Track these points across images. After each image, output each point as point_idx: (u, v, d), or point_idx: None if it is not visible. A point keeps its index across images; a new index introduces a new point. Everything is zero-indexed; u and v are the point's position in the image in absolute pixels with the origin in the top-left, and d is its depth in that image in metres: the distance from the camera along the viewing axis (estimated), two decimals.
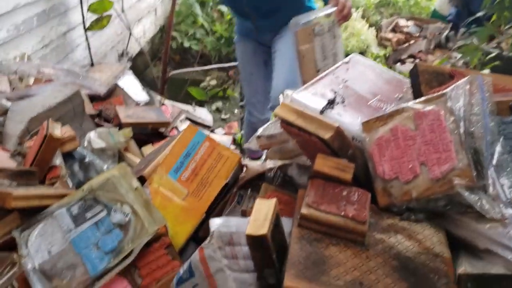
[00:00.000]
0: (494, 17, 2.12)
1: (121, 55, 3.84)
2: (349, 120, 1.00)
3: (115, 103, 2.30)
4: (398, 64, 5.51)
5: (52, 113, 1.59)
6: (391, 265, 0.77)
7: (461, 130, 0.83)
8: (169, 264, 0.99)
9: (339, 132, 0.86)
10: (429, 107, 0.86)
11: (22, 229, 1.04)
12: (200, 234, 1.10)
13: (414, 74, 1.01)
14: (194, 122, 3.18)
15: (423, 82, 0.97)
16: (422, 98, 0.90)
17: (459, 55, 5.66)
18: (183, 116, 2.65)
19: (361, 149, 0.94)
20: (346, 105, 1.04)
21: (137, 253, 0.97)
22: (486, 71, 4.30)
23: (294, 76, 1.96)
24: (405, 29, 6.16)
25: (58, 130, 1.26)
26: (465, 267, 0.78)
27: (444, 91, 0.86)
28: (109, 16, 2.95)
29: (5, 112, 1.70)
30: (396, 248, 0.80)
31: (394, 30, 6.24)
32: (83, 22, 2.90)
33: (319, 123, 0.88)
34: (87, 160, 1.39)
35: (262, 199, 0.78)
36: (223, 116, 4.32)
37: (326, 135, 0.85)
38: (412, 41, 5.92)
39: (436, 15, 6.40)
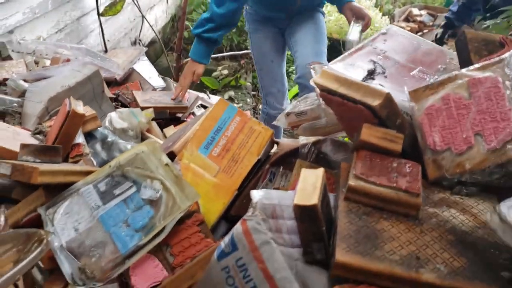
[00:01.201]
0: None
1: (134, 43, 3.80)
2: (392, 91, 0.94)
3: (132, 88, 2.26)
4: None
5: (72, 93, 1.54)
6: (448, 240, 0.72)
7: None
8: (202, 242, 0.94)
9: (388, 99, 0.80)
10: (485, 74, 0.80)
11: (48, 207, 1.00)
12: (231, 212, 1.05)
13: (461, 42, 0.95)
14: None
15: (472, 51, 0.91)
16: (477, 65, 0.84)
17: None
18: (199, 102, 2.60)
19: (408, 121, 0.88)
20: (387, 75, 0.99)
21: (169, 230, 0.93)
22: None
23: (320, 46, 2.02)
24: (418, 18, 6.06)
25: (81, 107, 1.21)
26: None
27: (503, 56, 0.80)
28: (123, 1, 2.90)
29: (23, 93, 1.67)
30: (451, 222, 0.75)
31: (407, 19, 6.14)
32: (97, 7, 2.85)
33: (366, 89, 0.82)
34: (109, 139, 1.35)
35: (308, 169, 0.73)
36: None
37: (375, 102, 0.79)
38: (425, 30, 5.82)
39: (450, 3, 6.29)
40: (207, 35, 1.82)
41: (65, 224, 0.97)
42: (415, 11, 6.22)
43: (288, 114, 1.23)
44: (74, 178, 1.03)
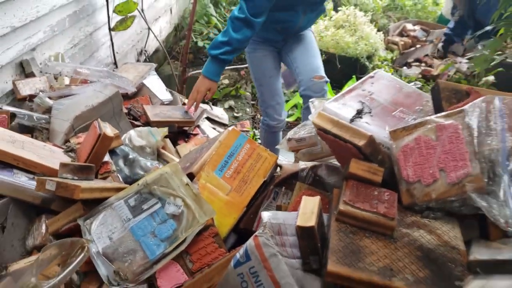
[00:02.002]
0: (501, 31, 2.26)
1: (140, 53, 3.98)
2: (376, 128, 1.14)
3: (142, 102, 2.44)
4: (405, 67, 5.64)
5: (95, 112, 1.73)
6: (416, 255, 0.91)
7: (476, 142, 0.97)
8: (216, 251, 1.13)
9: (371, 140, 1.00)
10: (449, 121, 1.01)
11: (85, 218, 1.18)
12: (240, 226, 1.24)
13: (435, 91, 1.15)
14: (212, 120, 3.32)
15: (443, 99, 1.11)
16: (443, 113, 1.04)
17: (464, 60, 5.80)
18: (205, 115, 2.79)
19: (388, 155, 1.08)
20: (373, 115, 1.18)
21: (190, 241, 1.11)
22: (491, 77, 4.44)
23: (317, 60, 2.37)
24: (412, 33, 6.29)
25: (109, 130, 1.40)
26: (475, 255, 0.92)
27: (463, 108, 1.00)
28: (133, 17, 3.09)
29: (47, 109, 1.85)
30: (419, 241, 0.94)
31: (401, 34, 6.37)
32: (108, 22, 3.04)
33: (354, 131, 1.02)
34: (131, 156, 1.54)
35: (307, 197, 0.92)
36: (235, 114, 4.44)
37: (360, 142, 0.99)
38: (418, 45, 6.05)
39: (442, 20, 6.53)
40: (223, 57, 2.02)
41: (101, 233, 1.16)
42: (409, 26, 6.45)
43: (289, 140, 1.42)
44: (107, 194, 1.22)
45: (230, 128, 1.30)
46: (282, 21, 2.28)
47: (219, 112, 3.54)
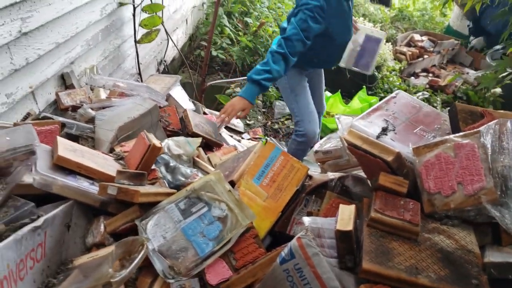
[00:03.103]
0: (510, 50, 2.41)
1: (160, 63, 4.15)
2: (400, 144, 1.30)
3: (169, 112, 2.61)
4: (412, 77, 5.80)
5: (136, 123, 1.89)
6: (437, 257, 1.07)
7: (490, 159, 1.12)
8: (256, 251, 1.28)
9: (398, 156, 1.16)
10: (466, 141, 1.16)
11: (142, 219, 1.34)
12: (275, 229, 1.39)
13: (453, 112, 1.30)
14: (229, 128, 3.49)
15: (460, 119, 1.27)
16: (461, 133, 1.19)
17: (471, 71, 5.94)
18: (224, 125, 2.95)
19: (412, 168, 1.23)
20: (396, 132, 1.34)
21: (234, 241, 1.27)
22: (498, 89, 4.59)
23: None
24: (420, 44, 6.44)
25: (157, 141, 1.55)
26: (489, 258, 1.07)
27: (479, 129, 1.15)
28: (158, 31, 3.26)
29: (90, 119, 2.01)
30: (440, 245, 1.10)
31: (409, 44, 6.52)
32: (135, 35, 3.21)
33: (382, 148, 1.17)
34: (171, 164, 1.69)
35: (344, 205, 1.08)
36: (248, 122, 4.58)
37: (389, 158, 1.15)
38: (426, 56, 6.20)
39: (450, 31, 6.69)
40: (264, 82, 2.20)
41: (155, 233, 1.31)
42: (417, 36, 6.61)
43: (316, 152, 1.58)
44: (160, 198, 1.37)
45: (261, 141, 1.46)
46: (325, 59, 2.67)
47: (235, 121, 3.70)
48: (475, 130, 1.17)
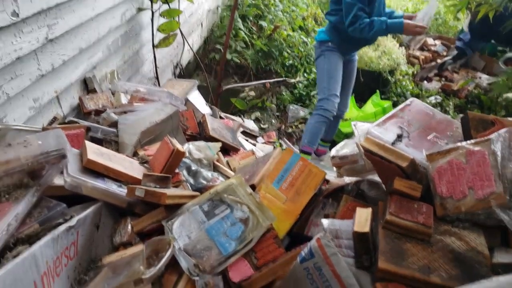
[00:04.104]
0: None
1: (175, 67, 4.25)
2: (414, 151, 1.36)
3: (187, 116, 2.69)
4: (425, 81, 5.82)
5: (158, 127, 1.97)
6: (448, 257, 1.12)
7: (499, 166, 1.17)
8: (276, 250, 1.35)
9: (412, 162, 1.22)
10: (477, 148, 1.21)
11: (167, 220, 1.42)
12: (294, 230, 1.46)
13: (465, 120, 1.36)
14: (245, 132, 3.56)
15: (472, 127, 1.32)
16: (472, 141, 1.25)
17: (484, 76, 5.94)
18: (240, 129, 3.03)
19: (425, 174, 1.29)
20: (410, 139, 1.40)
21: (256, 241, 1.34)
22: (511, 94, 4.60)
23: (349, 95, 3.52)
24: (433, 48, 6.46)
25: (180, 145, 1.63)
26: (497, 259, 1.13)
27: (489, 137, 1.21)
28: (175, 35, 3.35)
29: (113, 123, 2.10)
30: (451, 246, 1.15)
31: (422, 48, 6.54)
32: (152, 40, 3.30)
33: (398, 154, 1.24)
34: (193, 168, 1.77)
35: (361, 208, 1.14)
36: (262, 125, 4.65)
37: (404, 163, 1.21)
38: (439, 60, 6.22)
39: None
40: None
41: (181, 233, 1.39)
42: (430, 40, 6.63)
43: (333, 157, 1.64)
44: (185, 200, 1.45)
45: (275, 144, 1.52)
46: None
47: (250, 125, 3.78)
48: (486, 138, 1.22)
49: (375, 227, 1.21)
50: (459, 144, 1.26)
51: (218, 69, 5.03)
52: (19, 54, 1.74)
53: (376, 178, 1.49)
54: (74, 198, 1.46)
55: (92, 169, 1.50)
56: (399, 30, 2.87)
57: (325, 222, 1.19)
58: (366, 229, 1.07)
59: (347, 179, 1.49)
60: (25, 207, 1.30)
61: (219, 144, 1.96)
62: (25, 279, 1.04)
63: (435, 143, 1.39)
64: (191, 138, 2.46)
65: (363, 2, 2.90)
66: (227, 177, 1.91)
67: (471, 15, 5.41)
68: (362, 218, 1.11)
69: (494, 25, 5.58)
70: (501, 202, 1.14)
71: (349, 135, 4.13)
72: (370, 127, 1.43)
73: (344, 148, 1.66)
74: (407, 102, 1.55)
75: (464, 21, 6.78)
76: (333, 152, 1.65)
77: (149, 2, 3.05)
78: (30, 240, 1.26)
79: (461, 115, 1.43)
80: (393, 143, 1.37)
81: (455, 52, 6.09)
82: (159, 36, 3.30)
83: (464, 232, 1.20)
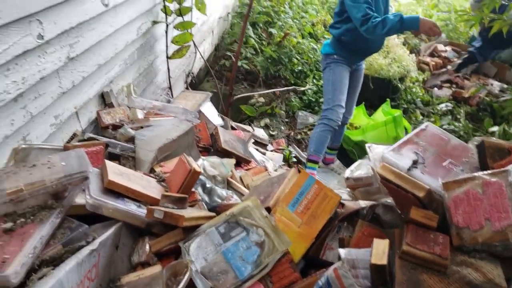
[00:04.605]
0: None
1: (187, 75, 4.28)
2: (430, 178, 1.37)
3: (199, 127, 2.72)
4: (435, 88, 5.80)
5: (174, 144, 2.01)
6: None
7: None
8: (292, 275, 1.37)
9: (429, 192, 1.23)
10: (494, 179, 1.23)
11: (184, 241, 1.44)
12: (309, 253, 1.48)
13: (481, 148, 1.37)
14: (255, 141, 3.59)
15: (488, 156, 1.34)
16: (489, 171, 1.26)
17: (495, 83, 5.91)
18: (252, 140, 3.06)
19: (441, 202, 1.30)
20: (426, 165, 1.41)
21: (272, 265, 1.36)
22: None
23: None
24: (443, 54, 6.44)
25: (195, 164, 1.66)
26: None
27: (506, 168, 1.22)
28: (189, 46, 3.38)
29: (130, 138, 2.13)
30: (468, 277, 1.17)
31: (432, 54, 6.52)
32: (166, 51, 3.34)
33: (414, 184, 1.25)
34: (208, 185, 1.80)
35: (378, 239, 1.16)
36: (271, 132, 4.66)
37: (420, 194, 1.22)
38: (449, 66, 6.19)
39: (474, 41, 6.64)
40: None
41: (198, 255, 1.41)
42: (440, 47, 6.60)
43: (347, 178, 1.66)
44: (201, 221, 1.48)
45: (294, 169, 1.54)
46: (367, 46, 3.17)
47: (260, 133, 3.81)
48: (503, 169, 1.23)
49: (391, 256, 1.23)
50: (475, 174, 1.28)
51: (228, 75, 5.07)
52: (42, 74, 1.78)
53: (391, 201, 1.50)
54: (94, 215, 1.49)
55: (113, 189, 1.54)
56: (415, 25, 2.78)
57: (342, 252, 1.21)
58: (384, 261, 1.09)
59: (362, 203, 1.51)
60: (49, 228, 1.34)
61: (233, 161, 1.99)
62: None
63: (450, 169, 1.41)
64: (204, 150, 2.50)
65: (369, 2, 2.90)
66: (241, 194, 1.93)
67: (481, 25, 5.37)
68: (380, 250, 1.13)
69: (507, 39, 5.54)
70: None
71: (359, 143, 4.14)
72: (385, 151, 1.45)
73: (358, 169, 1.68)
74: (422, 126, 1.57)
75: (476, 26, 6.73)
76: (348, 173, 1.67)
77: (164, 15, 3.08)
78: (54, 262, 1.30)
79: (475, 138, 1.44)
80: (408, 169, 1.38)
81: (466, 55, 6.04)
82: (172, 47, 3.34)
83: (481, 263, 1.21)
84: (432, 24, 2.76)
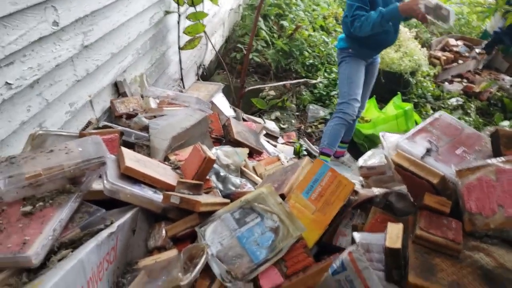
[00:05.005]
0: None
1: (199, 67, 4.30)
2: (443, 165, 1.38)
3: (212, 118, 2.74)
4: (446, 83, 5.76)
5: (187, 133, 2.03)
6: (477, 274, 1.15)
7: None
8: (306, 260, 1.39)
9: (443, 178, 1.25)
10: (508, 166, 1.24)
11: (200, 226, 1.47)
12: (323, 240, 1.50)
13: (495, 137, 1.38)
14: (266, 133, 3.61)
15: (502, 144, 1.34)
16: (504, 158, 1.27)
17: (507, 78, 5.86)
18: (264, 132, 3.08)
19: (454, 189, 1.32)
20: (439, 153, 1.42)
21: (286, 250, 1.38)
22: None
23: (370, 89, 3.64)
24: (455, 49, 6.39)
25: (210, 152, 1.68)
26: None
27: None
28: (201, 37, 3.40)
29: (144, 128, 2.16)
30: (480, 262, 1.18)
31: (443, 48, 6.48)
32: (178, 42, 3.36)
33: (428, 170, 1.27)
34: (222, 174, 1.82)
35: (393, 223, 1.18)
36: (281, 125, 4.67)
37: (435, 180, 1.24)
38: (460, 61, 6.15)
39: (486, 36, 6.59)
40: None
41: (213, 239, 1.44)
42: (452, 41, 6.55)
43: (361, 167, 1.67)
44: (217, 207, 1.50)
45: (308, 158, 1.55)
46: (380, 40, 3.16)
47: (271, 126, 3.83)
48: None
49: (405, 241, 1.24)
50: (489, 161, 1.28)
51: (239, 68, 5.09)
52: (58, 61, 1.82)
53: (404, 189, 1.52)
54: (111, 201, 1.53)
55: (129, 175, 1.57)
56: (395, 14, 2.77)
57: (356, 236, 1.22)
58: (398, 245, 1.11)
59: (376, 190, 1.53)
60: (68, 212, 1.37)
61: (246, 150, 2.01)
62: (75, 285, 1.11)
63: (464, 158, 1.42)
64: (216, 140, 2.52)
65: (362, 1, 2.91)
66: (254, 183, 1.96)
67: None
68: (394, 234, 1.14)
69: None
70: None
71: (369, 137, 4.15)
72: (399, 140, 1.46)
73: (371, 158, 1.69)
74: (436, 115, 1.58)
75: (487, 21, 6.68)
76: (361, 162, 1.69)
77: (176, 5, 3.10)
78: (73, 244, 1.33)
79: (488, 128, 1.44)
80: (422, 157, 1.40)
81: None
82: (184, 38, 3.36)
83: (493, 248, 1.22)
84: (413, 3, 2.66)
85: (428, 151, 1.42)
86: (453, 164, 1.37)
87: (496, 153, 1.37)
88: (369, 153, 1.74)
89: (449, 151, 1.44)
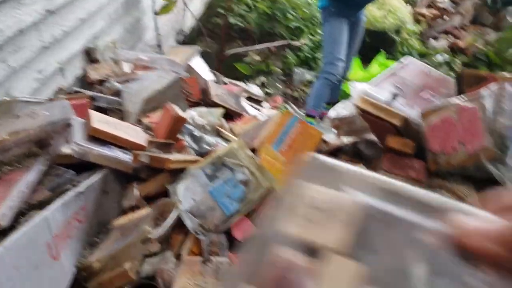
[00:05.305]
0: None
1: (178, 34, 4.23)
2: (408, 109, 1.38)
3: (190, 82, 2.71)
4: (432, 39, 5.71)
5: (160, 95, 2.01)
6: None
7: (489, 120, 1.20)
8: None
9: (406, 120, 1.25)
10: (468, 104, 1.24)
11: (172, 184, 1.48)
12: None
13: (459, 78, 1.38)
14: (249, 97, 3.58)
15: (464, 83, 1.34)
16: (464, 97, 1.27)
17: (491, 32, 5.81)
18: (245, 94, 3.05)
19: (417, 131, 1.32)
20: (405, 97, 1.42)
21: (257, 202, 1.40)
22: None
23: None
24: (441, 5, 6.29)
25: (181, 111, 1.67)
26: None
27: (480, 91, 1.23)
28: (175, 2, 3.33)
29: (116, 92, 2.14)
30: None
31: (429, 5, 6.38)
32: (153, 6, 3.29)
33: (391, 113, 1.27)
34: (196, 134, 1.82)
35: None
36: (267, 90, 4.64)
37: (398, 122, 1.24)
38: (446, 17, 6.07)
39: None
40: None
41: (185, 195, 1.45)
42: None
43: (333, 119, 1.67)
44: (188, 164, 1.51)
45: (281, 110, 1.55)
46: None
47: (254, 90, 3.79)
48: (476, 92, 1.24)
49: None
50: (450, 100, 1.28)
51: (221, 33, 5.00)
52: (20, 26, 1.77)
53: (373, 137, 1.52)
54: (83, 166, 1.52)
55: (98, 137, 1.56)
56: None
57: None
58: None
59: (345, 140, 1.53)
60: (35, 175, 1.37)
61: (221, 110, 2.00)
62: (39, 240, 1.12)
63: (430, 101, 1.42)
64: (194, 104, 2.50)
65: None
66: (230, 142, 1.96)
67: None
68: None
69: None
70: (491, 156, 1.17)
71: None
72: (366, 87, 1.46)
73: (343, 110, 1.69)
74: (403, 60, 1.56)
75: None
76: (333, 113, 1.68)
77: None
78: (42, 206, 1.33)
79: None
80: (388, 102, 1.39)
81: None
82: (159, 3, 3.29)
83: (455, 186, 1.24)
84: None
85: (395, 96, 1.42)
86: (419, 106, 1.37)
87: (460, 92, 1.37)
88: (340, 104, 1.74)
89: (415, 95, 1.44)
